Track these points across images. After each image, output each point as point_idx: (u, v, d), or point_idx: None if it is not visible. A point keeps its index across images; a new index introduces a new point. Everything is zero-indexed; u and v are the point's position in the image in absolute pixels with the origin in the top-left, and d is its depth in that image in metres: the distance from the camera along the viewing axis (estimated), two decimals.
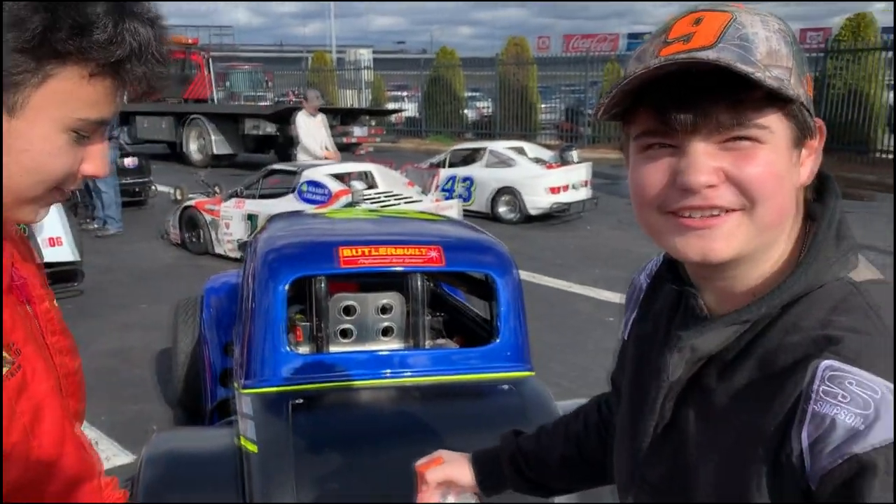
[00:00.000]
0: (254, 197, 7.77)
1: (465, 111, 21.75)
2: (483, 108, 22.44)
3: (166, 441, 2.43)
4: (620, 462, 0.99)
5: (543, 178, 9.70)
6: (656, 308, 0.99)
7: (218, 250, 7.91)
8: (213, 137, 15.97)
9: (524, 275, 6.90)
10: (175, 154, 17.00)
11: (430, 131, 21.56)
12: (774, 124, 0.75)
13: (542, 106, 20.33)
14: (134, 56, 0.78)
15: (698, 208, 0.76)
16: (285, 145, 15.30)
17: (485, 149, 10.57)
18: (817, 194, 0.85)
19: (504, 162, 10.16)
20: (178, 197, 8.26)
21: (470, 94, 22.33)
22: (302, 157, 9.18)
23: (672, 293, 0.94)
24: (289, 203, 7.02)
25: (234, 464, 2.17)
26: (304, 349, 2.59)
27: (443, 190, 10.35)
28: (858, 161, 13.86)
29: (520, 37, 20.19)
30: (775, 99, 0.73)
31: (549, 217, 9.82)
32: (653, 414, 0.89)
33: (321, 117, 9.62)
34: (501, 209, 10.02)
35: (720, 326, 0.81)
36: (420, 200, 7.67)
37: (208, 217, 7.91)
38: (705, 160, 0.75)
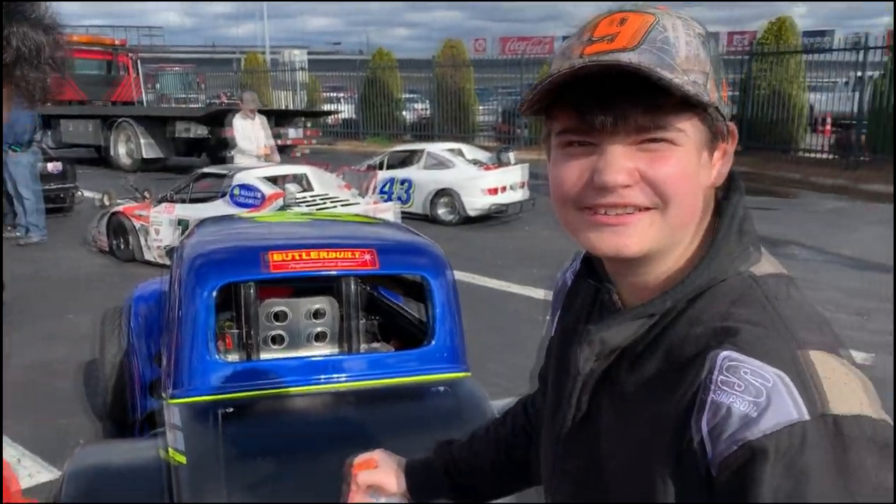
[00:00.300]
0: (184, 201, 7.58)
1: (403, 113, 21.70)
2: (421, 109, 22.44)
3: (90, 455, 2.33)
4: (544, 454, 1.01)
5: (481, 179, 9.75)
6: (577, 304, 1.01)
7: (147, 257, 7.69)
8: (141, 141, 15.54)
9: (463, 276, 6.97)
10: (102, 158, 16.47)
11: (368, 133, 21.45)
12: (689, 128, 0.77)
13: (480, 108, 20.46)
14: (24, 61, 0.75)
15: (613, 206, 0.78)
16: (217, 148, 15.02)
17: (423, 150, 10.57)
18: (725, 192, 0.87)
19: (442, 163, 10.17)
20: (105, 202, 8.01)
21: (407, 95, 22.28)
22: (239, 160, 9.02)
23: (591, 289, 0.96)
24: (220, 207, 6.88)
25: (162, 477, 2.10)
26: (233, 357, 2.53)
27: (381, 192, 10.30)
28: (783, 160, 14.39)
29: (456, 39, 20.29)
30: (691, 104, 0.75)
31: (488, 218, 9.87)
32: (570, 407, 0.91)
33: (259, 119, 9.46)
34: (440, 211, 10.03)
35: (627, 320, 0.84)
36: (357, 203, 7.61)
37: (137, 223, 7.68)
38: (621, 161, 0.77)
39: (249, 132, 9.27)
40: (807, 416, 0.69)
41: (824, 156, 14.03)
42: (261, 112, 9.74)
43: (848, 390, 0.71)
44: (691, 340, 0.79)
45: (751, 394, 0.70)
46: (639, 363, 0.83)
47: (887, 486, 0.69)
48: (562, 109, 0.79)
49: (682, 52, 0.76)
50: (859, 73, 13.42)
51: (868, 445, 0.69)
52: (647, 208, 0.78)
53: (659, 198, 0.78)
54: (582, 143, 0.79)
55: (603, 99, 0.75)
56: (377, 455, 1.25)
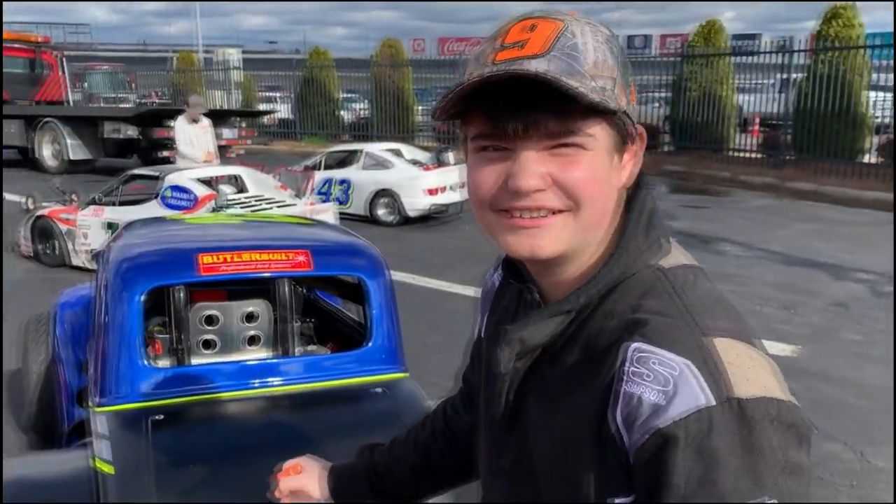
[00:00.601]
0: (113, 204, 7.34)
1: (341, 113, 21.49)
2: (360, 109, 22.28)
3: (13, 468, 2.23)
4: (480, 454, 1.03)
5: (421, 179, 9.74)
6: (503, 305, 1.03)
7: (75, 262, 7.42)
8: (68, 141, 14.98)
9: (403, 276, 6.96)
10: (27, 160, 15.83)
11: (305, 133, 21.18)
12: (598, 132, 0.80)
13: (419, 108, 20.42)
14: None
15: (527, 209, 0.81)
16: (149, 149, 14.62)
17: (361, 151, 10.50)
18: (633, 189, 0.90)
19: (381, 164, 10.12)
20: (30, 206, 7.69)
21: (345, 95, 22.08)
22: (181, 164, 8.75)
23: (516, 290, 0.98)
24: (151, 209, 6.69)
25: (90, 488, 2.03)
26: (163, 363, 2.46)
27: (318, 193, 10.18)
28: (713, 159, 14.81)
29: (394, 38, 20.20)
30: (600, 109, 0.77)
31: (428, 218, 9.87)
32: (500, 406, 0.93)
33: (205, 122, 9.17)
34: (380, 211, 9.98)
35: (544, 318, 0.86)
36: (294, 204, 7.50)
37: (64, 227, 7.41)
38: (534, 165, 0.79)
39: (193, 136, 8.95)
40: (713, 402, 0.71)
41: (753, 155, 14.50)
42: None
43: (752, 374, 0.74)
44: (606, 334, 0.81)
45: (659, 383, 0.73)
46: (559, 359, 0.86)
47: (797, 462, 0.72)
48: (475, 115, 0.81)
49: (591, 58, 0.78)
50: (785, 76, 13.90)
51: (773, 425, 0.71)
52: (560, 211, 0.81)
53: (571, 200, 0.80)
54: (496, 147, 0.81)
55: (514, 106, 0.77)
56: (302, 460, 1.27)
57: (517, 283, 0.94)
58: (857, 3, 12.82)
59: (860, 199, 11.49)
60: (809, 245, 8.52)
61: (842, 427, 3.98)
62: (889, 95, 14.21)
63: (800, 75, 13.69)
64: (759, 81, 15.99)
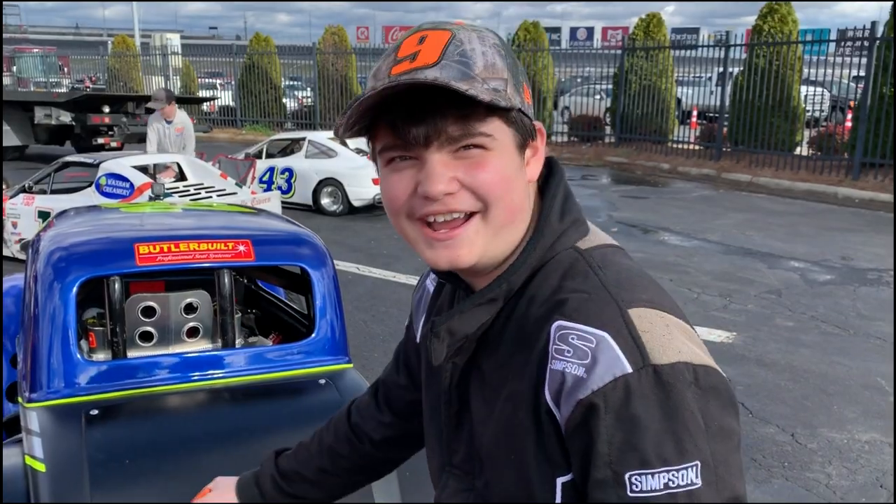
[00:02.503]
0: (45, 192, 7.08)
1: (284, 100, 21.15)
2: (303, 97, 21.97)
3: None
4: (431, 454, 1.04)
5: (367, 169, 9.64)
6: (440, 305, 1.05)
7: (5, 252, 7.14)
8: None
9: (348, 266, 6.92)
10: None
11: (247, 121, 20.80)
12: (498, 132, 0.82)
13: None
14: None
15: (439, 213, 0.83)
16: (83, 136, 14.15)
17: (304, 139, 10.36)
18: (545, 178, 0.93)
19: (324, 153, 10.01)
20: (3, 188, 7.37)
21: (288, 83, 21.73)
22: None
23: (450, 290, 1.02)
24: (87, 198, 6.48)
25: (22, 486, 1.95)
26: (99, 356, 2.38)
27: (260, 182, 10.02)
28: (655, 150, 15.10)
29: (338, 26, 19.96)
30: (495, 110, 0.80)
31: (374, 208, 9.81)
32: (444, 403, 0.95)
33: (180, 119, 8.19)
34: (325, 201, 9.87)
35: (469, 307, 0.88)
36: (235, 193, 7.36)
37: (1, 218, 7.12)
38: (441, 170, 0.81)
39: (164, 139, 8.01)
40: (629, 369, 0.74)
41: (692, 147, 14.84)
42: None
43: (666, 341, 0.76)
44: (532, 317, 0.84)
45: (579, 357, 0.76)
46: (494, 348, 0.88)
47: (720, 425, 0.74)
48: (380, 128, 0.84)
49: (480, 62, 0.81)
50: (722, 70, 14.24)
51: (691, 389, 0.74)
52: (473, 213, 0.83)
53: (480, 202, 0.82)
54: (403, 157, 0.83)
55: (414, 114, 0.80)
56: (213, 482, 1.32)
57: (450, 283, 0.96)
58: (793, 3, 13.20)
59: (793, 189, 11.89)
60: (745, 234, 8.78)
61: (776, 411, 4.12)
62: (820, 90, 14.72)
63: (737, 69, 14.05)
64: (698, 75, 16.36)
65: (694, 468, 0.71)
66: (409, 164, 0.83)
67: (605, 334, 0.76)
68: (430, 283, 1.11)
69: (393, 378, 1.24)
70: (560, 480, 0.79)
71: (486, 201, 0.82)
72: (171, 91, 8.63)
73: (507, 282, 0.86)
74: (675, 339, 0.77)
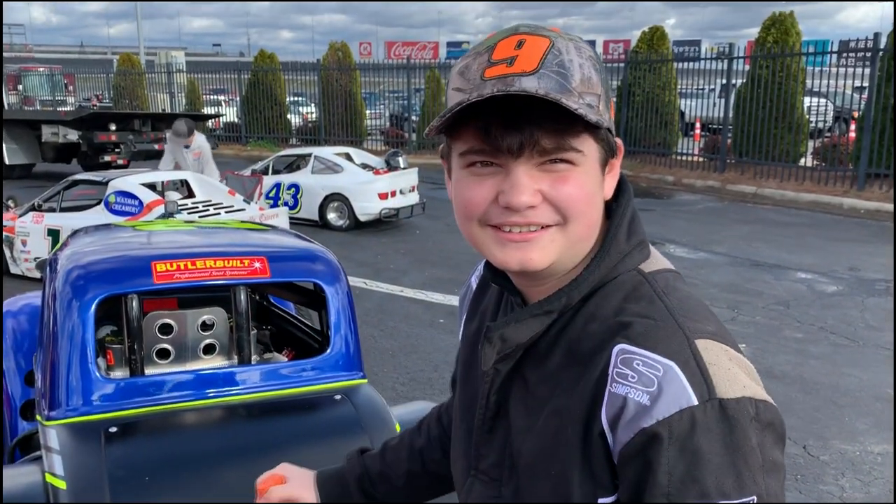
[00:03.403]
0: (54, 210, 7.12)
1: (289, 116, 21.25)
2: (308, 113, 22.05)
3: None
4: (456, 456, 1.03)
5: (373, 183, 9.69)
6: (483, 307, 1.04)
7: (14, 270, 7.18)
8: (4, 145, 14.48)
9: (357, 281, 6.93)
10: None
11: (252, 137, 20.89)
12: (587, 148, 0.81)
13: (368, 112, 20.33)
14: None
15: (518, 224, 0.82)
16: (90, 154, 14.23)
17: (310, 155, 10.40)
18: (615, 195, 0.92)
19: (331, 168, 10.05)
20: (11, 206, 7.42)
21: (293, 99, 21.84)
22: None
23: (497, 291, 1.00)
24: (96, 216, 6.51)
25: (43, 503, 1.96)
26: (116, 373, 2.39)
27: (267, 197, 10.06)
28: (659, 163, 15.13)
29: (341, 42, 20.08)
30: (589, 126, 0.79)
31: (380, 223, 9.84)
32: (481, 407, 0.94)
33: (197, 144, 8.45)
34: (331, 216, 9.90)
35: (526, 317, 0.87)
36: (243, 209, 7.39)
37: (2, 234, 7.16)
38: (527, 182, 0.80)
39: (182, 165, 8.24)
40: (695, 402, 0.73)
41: (696, 159, 14.86)
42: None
43: (732, 375, 0.76)
44: (589, 336, 0.83)
45: (644, 384, 0.75)
46: (542, 360, 0.88)
47: (773, 461, 0.75)
48: (466, 130, 0.81)
49: (577, 75, 0.79)
50: (725, 81, 14.28)
51: (752, 424, 0.74)
52: (550, 225, 0.82)
53: (560, 216, 0.82)
54: (486, 163, 0.81)
55: (509, 122, 0.77)
56: (283, 470, 1.23)
57: (502, 286, 0.95)
58: (796, 11, 13.26)
59: (797, 200, 11.89)
60: (751, 246, 8.78)
61: (787, 423, 4.08)
62: (823, 101, 14.75)
63: (740, 81, 14.09)
64: (701, 87, 16.40)
65: (750, 503, 0.72)
66: (491, 170, 0.81)
67: (673, 364, 0.75)
68: (475, 280, 1.10)
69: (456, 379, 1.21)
70: (602, 501, 0.79)
71: (566, 216, 0.81)
72: (191, 122, 8.62)
73: (568, 296, 0.85)
74: (739, 374, 0.77)
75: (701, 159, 14.74)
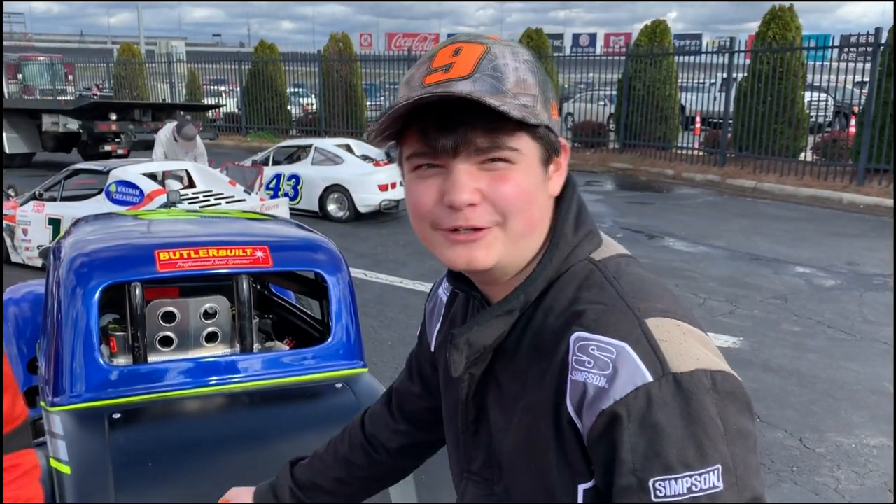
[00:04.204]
0: (55, 199, 7.13)
1: (289, 107, 21.22)
2: (308, 104, 22.01)
3: None
4: (451, 461, 1.07)
5: (373, 175, 9.70)
6: (453, 314, 1.08)
7: (15, 259, 7.20)
8: (4, 135, 14.48)
9: (356, 272, 6.94)
10: None
11: (252, 128, 20.87)
12: (524, 146, 0.84)
13: (369, 103, 20.30)
14: None
15: (462, 227, 0.85)
16: (90, 143, 14.22)
17: (311, 146, 10.40)
18: (560, 190, 0.94)
19: (331, 159, 10.06)
20: (12, 194, 7.43)
21: (293, 90, 21.80)
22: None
23: (464, 298, 1.04)
24: (97, 205, 6.52)
25: (48, 488, 1.98)
26: (120, 360, 2.42)
27: (267, 188, 10.07)
28: (659, 156, 15.14)
29: (342, 33, 20.02)
30: (524, 125, 0.82)
31: (380, 214, 9.85)
32: (462, 412, 0.98)
33: (194, 144, 8.61)
34: (331, 207, 9.91)
35: (488, 318, 0.90)
36: (244, 199, 7.41)
37: (2, 222, 7.17)
38: (466, 180, 0.83)
39: (170, 151, 8.39)
40: (650, 378, 0.76)
41: (696, 152, 14.86)
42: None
43: (684, 350, 0.79)
44: (549, 328, 0.86)
45: (600, 367, 0.78)
46: (511, 358, 0.90)
47: (738, 428, 0.77)
48: (409, 134, 0.85)
49: (512, 77, 0.83)
50: (726, 75, 14.27)
51: (709, 395, 0.77)
52: (490, 227, 0.85)
53: (499, 215, 0.84)
54: (430, 165, 0.85)
55: (444, 124, 0.82)
56: (230, 493, 1.33)
57: (464, 291, 0.98)
58: (796, 5, 13.24)
59: (797, 195, 11.90)
60: (750, 240, 8.80)
61: (783, 415, 4.14)
62: (824, 96, 14.75)
63: (740, 75, 14.08)
64: (701, 81, 16.39)
65: (715, 472, 0.74)
66: (435, 171, 0.85)
67: (625, 345, 0.78)
68: (444, 293, 1.13)
69: (406, 386, 1.26)
70: (582, 487, 0.81)
71: (504, 214, 0.84)
72: (197, 127, 8.86)
73: (525, 293, 0.88)
74: (692, 347, 0.79)
75: (701, 153, 14.75)
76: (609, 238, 0.95)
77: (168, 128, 8.71)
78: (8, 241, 7.19)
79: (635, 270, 0.89)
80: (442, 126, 0.82)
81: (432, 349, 1.13)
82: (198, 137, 8.76)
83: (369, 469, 1.26)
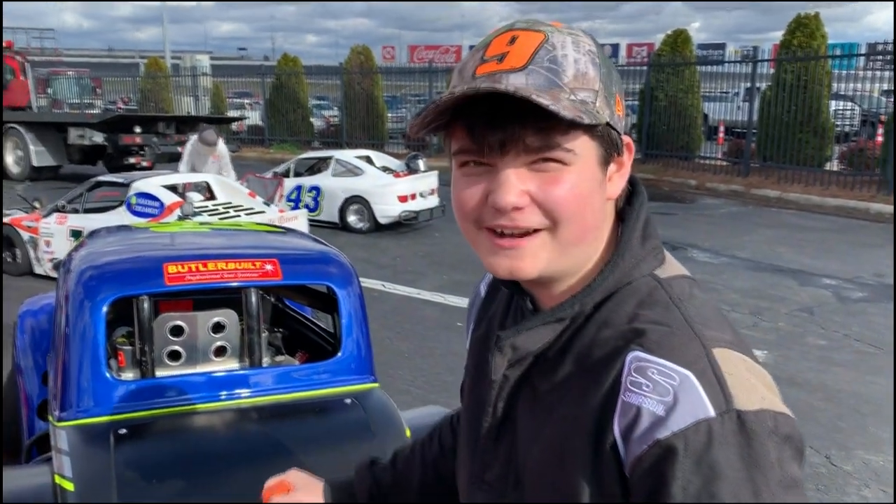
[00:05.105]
0: (78, 211, 7.21)
1: (311, 120, 21.37)
2: (330, 116, 22.14)
3: None
4: (461, 464, 1.00)
5: (393, 186, 9.70)
6: (491, 312, 1.02)
7: (38, 270, 7.28)
8: (32, 148, 14.72)
9: (374, 283, 6.94)
10: None
11: (275, 140, 21.03)
12: (580, 146, 0.77)
13: (390, 115, 20.38)
14: None
15: (507, 227, 0.79)
16: (115, 156, 14.40)
17: (331, 158, 10.44)
18: (627, 198, 0.88)
19: (351, 171, 10.08)
20: (37, 206, 7.54)
21: (315, 102, 21.96)
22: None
23: (506, 296, 0.98)
24: (118, 217, 6.57)
25: None
26: (127, 375, 2.40)
27: (288, 200, 10.11)
28: (682, 167, 15.00)
29: (363, 45, 20.15)
30: (578, 123, 0.75)
31: (399, 225, 9.84)
32: (487, 415, 0.91)
33: (218, 148, 8.96)
34: (351, 218, 9.92)
35: (537, 324, 0.84)
36: (263, 211, 7.43)
37: (26, 235, 7.26)
38: (514, 182, 0.77)
39: (197, 160, 8.66)
40: (712, 413, 0.70)
41: (719, 163, 14.70)
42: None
43: (750, 386, 0.73)
44: (601, 343, 0.80)
45: (659, 393, 0.72)
46: (552, 367, 0.84)
47: (792, 476, 0.71)
48: (457, 129, 0.79)
49: (570, 70, 0.76)
50: (748, 85, 14.12)
51: (771, 437, 0.71)
52: (538, 230, 0.79)
53: (549, 219, 0.78)
54: (477, 163, 0.79)
55: (493, 120, 0.75)
56: (291, 477, 1.20)
57: (511, 289, 0.92)
58: (822, 13, 13.08)
59: (823, 205, 11.71)
60: (775, 251, 8.65)
61: (809, 431, 4.03)
62: (850, 105, 14.54)
63: (764, 85, 13.92)
64: (725, 91, 16.25)
65: None
66: (482, 170, 0.79)
67: (689, 373, 0.72)
68: (483, 287, 1.08)
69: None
70: None
71: (555, 219, 0.78)
72: (217, 131, 9.21)
73: (581, 303, 0.82)
74: (757, 385, 0.74)
75: (724, 163, 14.59)
76: (671, 256, 0.89)
77: (193, 139, 8.87)
78: (31, 252, 7.27)
79: (700, 295, 0.84)
80: (490, 122, 0.75)
81: (467, 344, 1.07)
82: (220, 143, 8.93)
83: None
